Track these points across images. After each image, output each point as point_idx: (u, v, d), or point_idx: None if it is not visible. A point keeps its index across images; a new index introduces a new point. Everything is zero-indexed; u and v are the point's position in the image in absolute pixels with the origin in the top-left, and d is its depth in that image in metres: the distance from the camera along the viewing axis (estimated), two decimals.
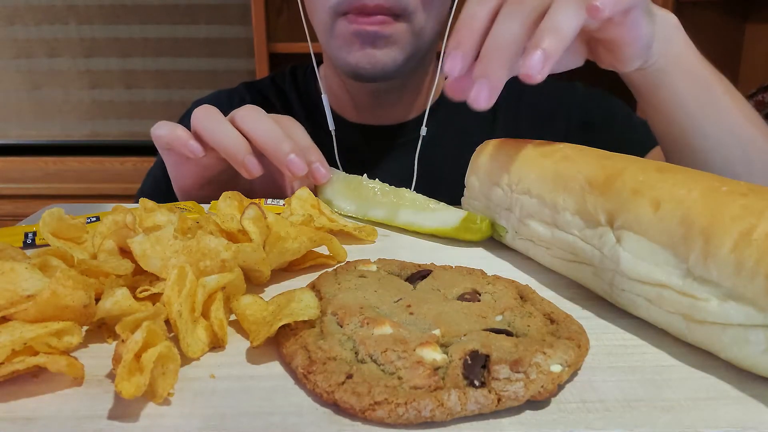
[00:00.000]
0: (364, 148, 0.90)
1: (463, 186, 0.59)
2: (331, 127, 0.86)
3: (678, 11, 1.57)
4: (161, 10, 2.14)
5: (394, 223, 0.59)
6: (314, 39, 0.87)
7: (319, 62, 0.98)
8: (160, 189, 0.87)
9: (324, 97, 0.88)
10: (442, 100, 0.92)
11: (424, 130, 0.88)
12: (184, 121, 0.95)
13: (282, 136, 0.60)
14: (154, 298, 0.39)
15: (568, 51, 0.48)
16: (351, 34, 0.75)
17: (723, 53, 1.68)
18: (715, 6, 1.63)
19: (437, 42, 0.87)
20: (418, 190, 0.87)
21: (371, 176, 0.65)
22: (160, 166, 0.92)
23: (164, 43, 2.17)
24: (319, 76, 0.92)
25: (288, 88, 0.97)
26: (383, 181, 0.63)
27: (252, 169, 0.60)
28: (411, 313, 0.37)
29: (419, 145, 0.88)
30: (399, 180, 0.87)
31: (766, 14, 1.65)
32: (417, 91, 0.91)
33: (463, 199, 0.60)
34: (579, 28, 0.45)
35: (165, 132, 0.62)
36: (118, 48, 2.16)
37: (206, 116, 0.61)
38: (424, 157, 0.88)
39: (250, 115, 0.62)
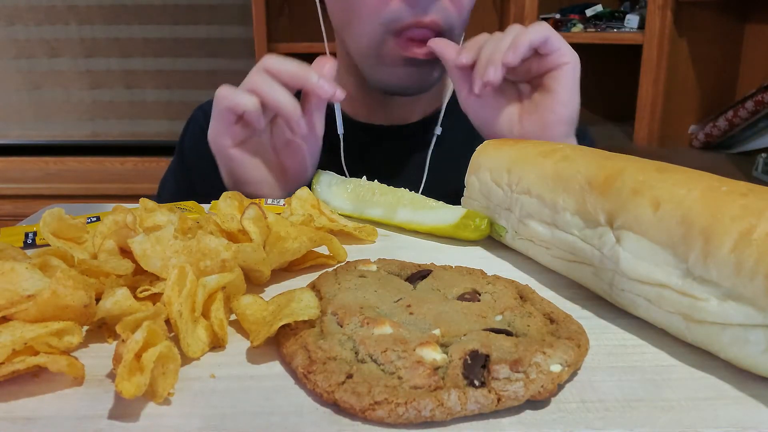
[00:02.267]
0: (373, 149, 0.89)
1: None
2: (340, 131, 0.85)
3: (678, 11, 1.57)
4: (161, 11, 2.14)
5: (393, 221, 0.59)
6: (330, 38, 0.86)
7: None
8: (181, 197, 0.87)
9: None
10: (454, 100, 0.91)
11: (438, 130, 0.87)
12: (190, 127, 0.94)
13: (302, 71, 0.64)
14: (155, 298, 0.39)
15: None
16: (401, 58, 0.74)
17: (723, 53, 1.68)
18: (715, 6, 1.62)
19: None
20: (427, 189, 0.87)
21: (379, 177, 0.65)
22: (175, 173, 0.92)
23: (164, 44, 2.17)
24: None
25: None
26: (393, 182, 0.63)
27: (303, 126, 0.65)
28: (411, 313, 0.37)
29: (432, 144, 0.88)
30: (408, 181, 0.86)
31: (766, 14, 1.65)
32: (431, 90, 0.90)
33: (462, 198, 0.60)
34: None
35: (244, 102, 0.63)
36: (119, 48, 2.16)
37: (264, 81, 0.64)
38: (435, 157, 0.88)
39: (266, 79, 0.64)
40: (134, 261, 0.40)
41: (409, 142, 0.89)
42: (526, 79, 0.68)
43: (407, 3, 0.70)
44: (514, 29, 0.65)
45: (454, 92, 0.91)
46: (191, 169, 0.91)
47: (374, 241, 0.57)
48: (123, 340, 0.31)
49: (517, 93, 0.69)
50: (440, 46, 0.69)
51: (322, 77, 0.64)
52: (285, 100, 0.63)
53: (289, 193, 0.72)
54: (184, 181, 0.90)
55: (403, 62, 0.74)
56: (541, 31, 0.62)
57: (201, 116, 0.94)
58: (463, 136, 0.88)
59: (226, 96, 0.64)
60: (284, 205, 0.62)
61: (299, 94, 0.67)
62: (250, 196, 0.71)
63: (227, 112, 0.65)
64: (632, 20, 1.69)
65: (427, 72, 0.76)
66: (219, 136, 0.67)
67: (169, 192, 0.90)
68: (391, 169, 0.88)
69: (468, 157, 0.60)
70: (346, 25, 0.77)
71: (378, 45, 0.74)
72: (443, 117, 0.89)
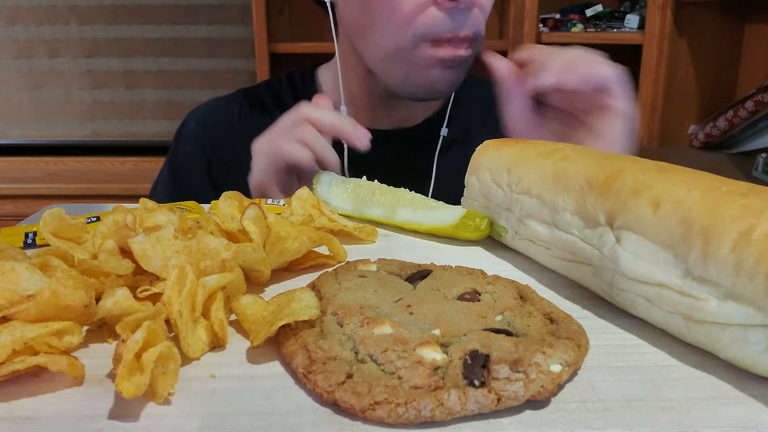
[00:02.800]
0: (378, 153, 0.89)
1: None
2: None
3: (678, 11, 1.57)
4: (162, 11, 2.14)
5: (393, 221, 0.59)
6: (331, 40, 0.86)
7: (319, 64, 0.96)
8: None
9: (342, 108, 0.85)
10: (456, 101, 0.91)
11: (444, 131, 0.87)
12: (182, 138, 0.94)
13: (340, 121, 0.68)
14: (155, 297, 0.39)
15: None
16: (437, 58, 0.74)
17: (723, 53, 1.68)
18: (715, 6, 1.62)
19: None
20: (436, 191, 0.87)
21: (386, 180, 0.64)
22: (168, 179, 0.92)
23: (165, 44, 2.17)
24: (341, 85, 0.88)
25: (286, 95, 0.94)
26: (400, 185, 0.63)
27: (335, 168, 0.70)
28: (411, 313, 0.37)
29: (439, 146, 0.87)
30: (415, 183, 0.86)
31: (766, 14, 1.65)
32: None
33: (462, 198, 0.60)
34: None
35: (302, 156, 0.67)
36: (119, 48, 2.16)
37: (315, 136, 0.68)
38: (442, 158, 0.88)
39: (312, 130, 0.68)
40: (134, 261, 0.40)
41: (414, 145, 0.89)
42: (570, 111, 0.68)
43: (448, 15, 0.70)
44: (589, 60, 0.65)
45: (455, 91, 0.91)
46: (182, 180, 0.91)
47: (374, 241, 0.57)
48: (123, 340, 0.31)
49: (558, 120, 0.70)
50: (491, 59, 0.70)
51: (357, 126, 0.68)
52: (332, 156, 0.68)
53: None
54: (177, 190, 0.90)
55: (440, 64, 0.74)
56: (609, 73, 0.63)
57: (193, 124, 0.94)
58: (466, 135, 0.88)
59: (281, 147, 0.67)
60: (284, 205, 0.62)
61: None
62: None
63: (282, 162, 0.68)
64: (632, 20, 1.69)
65: (459, 74, 0.76)
66: (267, 183, 0.70)
67: (162, 197, 0.90)
68: (397, 173, 0.87)
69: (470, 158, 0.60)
70: (368, 31, 0.76)
71: (409, 50, 0.74)
72: (447, 118, 0.89)
